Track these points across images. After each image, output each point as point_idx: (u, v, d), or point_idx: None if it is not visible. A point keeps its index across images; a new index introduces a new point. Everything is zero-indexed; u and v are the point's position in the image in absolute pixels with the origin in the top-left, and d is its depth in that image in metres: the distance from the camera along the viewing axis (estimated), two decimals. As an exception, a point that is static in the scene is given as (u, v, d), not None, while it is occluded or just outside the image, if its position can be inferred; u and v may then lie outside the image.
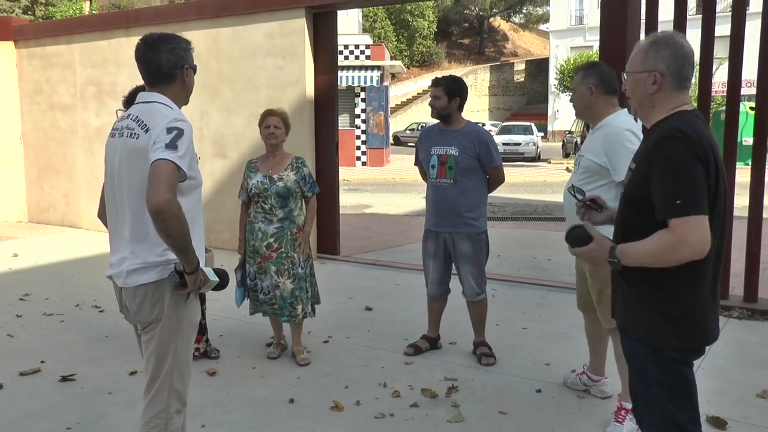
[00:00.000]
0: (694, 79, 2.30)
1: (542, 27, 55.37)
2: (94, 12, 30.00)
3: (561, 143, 31.07)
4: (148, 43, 2.44)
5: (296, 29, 7.43)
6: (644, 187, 2.03)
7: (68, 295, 5.98)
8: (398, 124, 40.10)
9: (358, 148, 24.09)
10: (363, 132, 24.00)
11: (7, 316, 5.38)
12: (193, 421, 3.32)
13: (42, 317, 5.35)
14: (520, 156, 26.47)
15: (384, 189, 17.04)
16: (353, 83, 23.52)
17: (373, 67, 23.83)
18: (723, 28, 5.40)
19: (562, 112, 39.53)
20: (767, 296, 5.41)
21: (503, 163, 4.40)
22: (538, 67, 48.37)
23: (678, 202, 1.93)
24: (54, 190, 10.03)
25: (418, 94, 44.36)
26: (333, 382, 4.01)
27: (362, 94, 23.75)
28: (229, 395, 3.82)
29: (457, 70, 43.98)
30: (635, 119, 2.97)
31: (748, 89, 13.37)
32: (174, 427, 2.47)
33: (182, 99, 2.52)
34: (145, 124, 2.33)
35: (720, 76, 13.52)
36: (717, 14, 5.33)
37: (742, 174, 5.78)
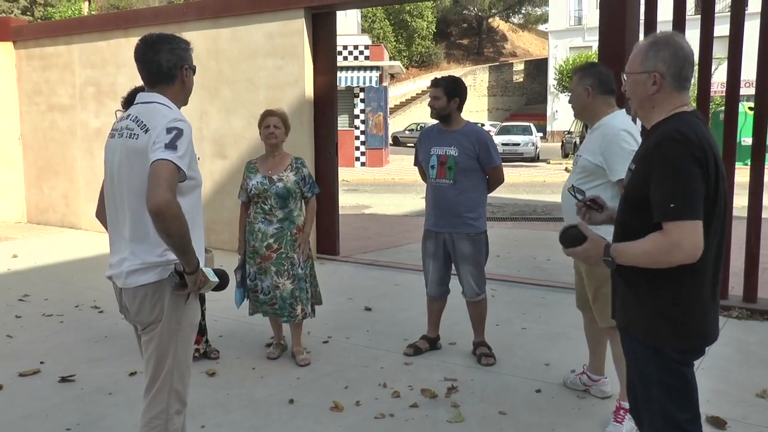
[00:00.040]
0: (693, 80, 2.29)
1: (541, 27, 55.37)
2: (93, 12, 30.03)
3: (560, 143, 31.11)
4: (147, 43, 2.44)
5: (295, 30, 7.44)
6: (644, 187, 2.03)
7: (68, 296, 5.97)
8: (397, 124, 40.11)
9: (358, 148, 24.11)
10: (362, 132, 24.02)
11: (7, 316, 5.37)
12: (193, 421, 3.32)
13: (41, 318, 5.35)
14: (519, 156, 26.52)
15: (383, 189, 17.06)
16: (352, 84, 23.53)
17: (372, 68, 23.85)
18: (722, 29, 5.40)
19: (561, 113, 39.51)
20: (767, 296, 5.41)
21: (502, 164, 4.41)
22: (537, 68, 48.36)
23: (673, 205, 1.93)
24: (53, 190, 10.03)
25: (417, 94, 44.36)
26: (333, 382, 4.01)
27: (361, 95, 23.77)
28: (228, 396, 3.82)
29: (456, 71, 43.99)
30: (634, 120, 2.97)
31: (747, 89, 13.40)
32: (174, 428, 2.47)
33: (182, 99, 2.52)
34: (145, 125, 2.33)
35: (719, 76, 13.57)
36: (716, 14, 5.35)
37: (741, 174, 5.79)
